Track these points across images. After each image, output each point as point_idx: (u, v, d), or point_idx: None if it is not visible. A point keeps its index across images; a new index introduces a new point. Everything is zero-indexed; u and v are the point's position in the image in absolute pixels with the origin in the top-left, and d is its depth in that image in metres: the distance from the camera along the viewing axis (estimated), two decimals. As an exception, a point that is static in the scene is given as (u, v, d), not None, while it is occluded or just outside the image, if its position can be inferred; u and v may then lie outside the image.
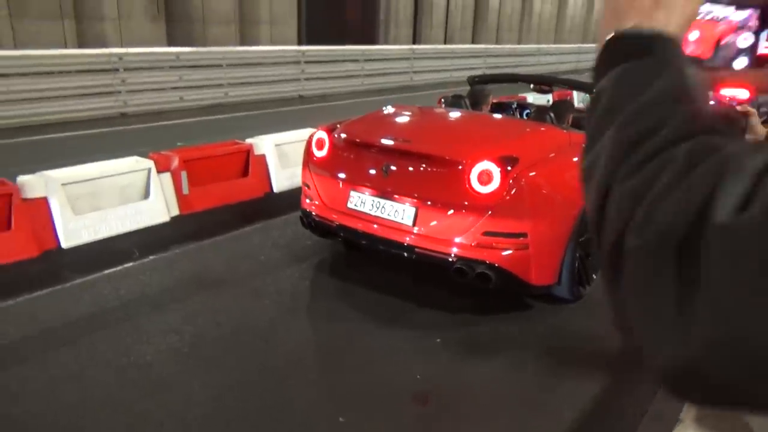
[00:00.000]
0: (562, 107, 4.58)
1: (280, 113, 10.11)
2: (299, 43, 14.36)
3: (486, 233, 3.21)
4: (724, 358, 0.34)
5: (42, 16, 9.94)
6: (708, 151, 0.37)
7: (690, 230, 0.34)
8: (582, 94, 10.55)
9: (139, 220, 4.36)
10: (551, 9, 28.23)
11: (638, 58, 0.48)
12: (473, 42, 21.58)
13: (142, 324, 3.26)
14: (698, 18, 0.68)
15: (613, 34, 0.52)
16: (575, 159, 3.07)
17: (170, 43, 11.85)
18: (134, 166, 4.47)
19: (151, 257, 4.13)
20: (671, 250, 0.35)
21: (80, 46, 10.30)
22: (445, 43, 19.99)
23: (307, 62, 11.89)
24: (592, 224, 0.43)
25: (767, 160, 0.35)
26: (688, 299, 0.34)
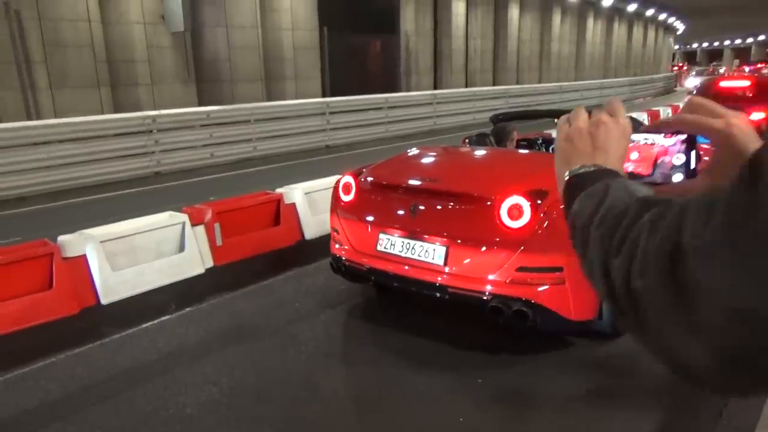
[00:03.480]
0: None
1: (308, 163, 10.31)
2: (323, 95, 14.77)
3: (520, 269, 3.16)
4: (741, 334, 0.42)
5: (79, 85, 10.48)
6: (660, 213, 0.52)
7: (674, 257, 0.47)
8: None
9: (175, 273, 4.43)
10: (569, 48, 28.56)
11: (592, 185, 0.65)
12: (494, 84, 21.86)
13: (180, 376, 3.27)
14: (636, 143, 0.91)
15: (568, 174, 0.71)
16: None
17: (200, 103, 12.33)
18: (169, 220, 4.58)
19: (188, 309, 4.18)
20: (666, 275, 0.47)
21: (116, 111, 10.79)
22: (466, 86, 20.30)
23: (332, 113, 12.18)
24: (601, 292, 0.57)
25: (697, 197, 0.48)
26: (690, 305, 0.45)
